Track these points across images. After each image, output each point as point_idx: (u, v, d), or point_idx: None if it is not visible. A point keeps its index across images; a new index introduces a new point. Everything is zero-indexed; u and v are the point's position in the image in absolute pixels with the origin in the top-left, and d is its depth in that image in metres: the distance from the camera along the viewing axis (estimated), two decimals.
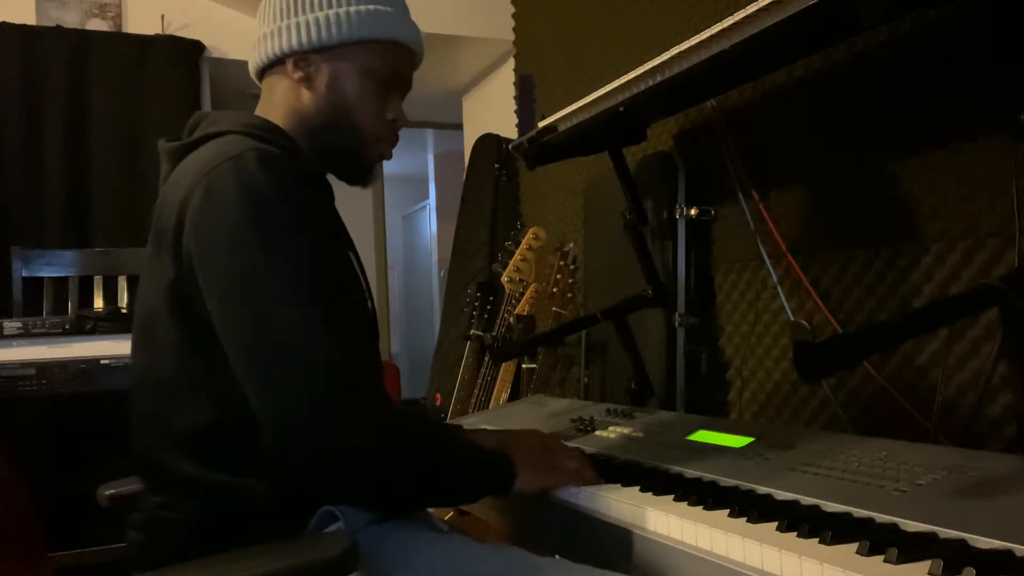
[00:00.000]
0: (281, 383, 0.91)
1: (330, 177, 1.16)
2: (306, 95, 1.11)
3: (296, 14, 1.09)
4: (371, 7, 1.10)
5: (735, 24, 1.15)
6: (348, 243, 1.13)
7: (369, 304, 1.13)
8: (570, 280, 2.53)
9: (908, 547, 0.73)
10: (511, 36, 3.25)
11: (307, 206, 0.98)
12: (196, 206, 0.95)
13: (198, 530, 0.98)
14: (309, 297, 0.92)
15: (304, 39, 1.08)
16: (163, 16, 3.42)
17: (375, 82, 1.12)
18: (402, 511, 1.08)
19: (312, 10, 1.09)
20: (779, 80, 1.70)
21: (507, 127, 3.32)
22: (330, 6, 1.09)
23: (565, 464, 1.11)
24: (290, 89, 1.11)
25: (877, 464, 0.99)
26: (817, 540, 0.79)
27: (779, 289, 1.72)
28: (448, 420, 2.39)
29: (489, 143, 3.37)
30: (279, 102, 1.12)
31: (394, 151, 1.21)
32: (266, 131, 1.07)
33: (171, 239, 0.97)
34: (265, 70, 1.14)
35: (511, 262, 2.67)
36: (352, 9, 1.09)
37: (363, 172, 1.18)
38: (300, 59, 1.10)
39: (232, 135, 1.03)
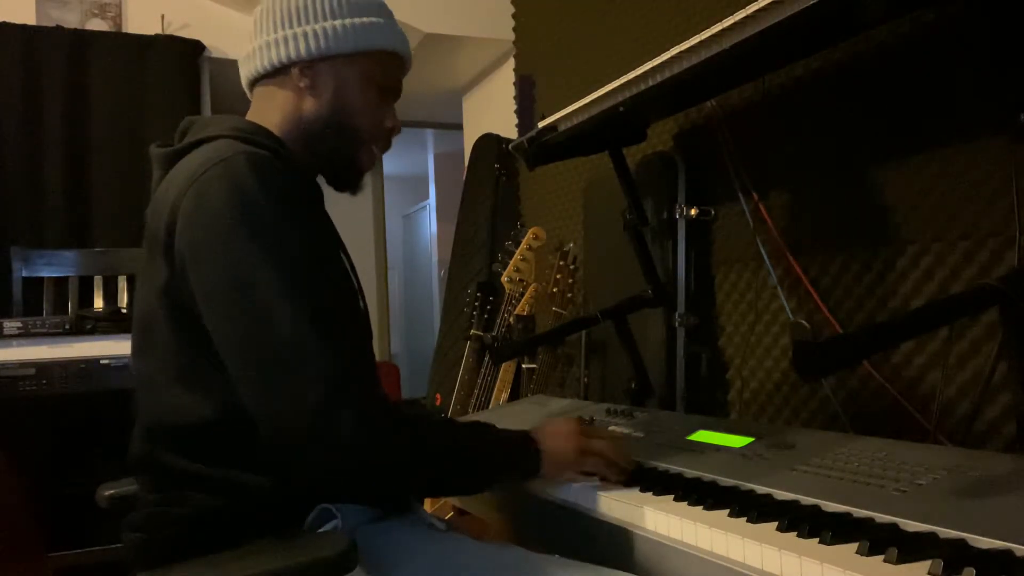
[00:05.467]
0: (273, 382, 0.90)
1: (321, 182, 1.18)
2: (309, 102, 1.13)
3: (300, 23, 1.12)
4: (370, 19, 1.14)
5: (735, 24, 1.14)
6: (339, 244, 1.14)
7: (361, 303, 1.13)
8: (570, 280, 2.53)
9: (908, 547, 0.73)
10: (511, 36, 3.25)
11: (296, 205, 0.99)
12: (187, 209, 0.96)
13: (196, 526, 0.98)
14: (299, 295, 0.92)
15: (312, 48, 1.11)
16: (163, 16, 3.42)
17: (376, 90, 1.16)
18: (415, 494, 1.10)
19: (316, 20, 1.12)
20: (779, 80, 1.70)
21: (507, 127, 3.31)
22: (334, 17, 1.12)
23: (595, 445, 1.10)
24: (292, 96, 1.13)
25: (877, 464, 0.99)
26: (817, 540, 0.79)
27: (779, 289, 1.72)
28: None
29: (489, 143, 3.37)
30: (276, 109, 1.14)
31: (394, 151, 1.24)
32: (256, 134, 1.08)
33: (163, 242, 0.98)
34: (261, 79, 1.15)
35: (511, 262, 2.67)
36: (355, 21, 1.13)
37: (356, 177, 1.22)
38: (305, 67, 1.12)
39: (222, 140, 1.04)
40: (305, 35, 1.11)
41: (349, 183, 1.22)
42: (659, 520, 0.95)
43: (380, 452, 0.92)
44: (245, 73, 1.17)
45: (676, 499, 0.99)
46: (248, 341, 0.92)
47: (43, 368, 2.42)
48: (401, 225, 7.11)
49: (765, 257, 1.75)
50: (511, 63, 3.31)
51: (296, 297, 0.91)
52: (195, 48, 3.44)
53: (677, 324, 1.94)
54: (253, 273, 0.92)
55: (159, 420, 1.02)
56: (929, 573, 0.69)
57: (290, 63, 1.12)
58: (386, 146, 1.22)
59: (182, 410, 0.99)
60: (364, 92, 1.15)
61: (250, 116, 1.16)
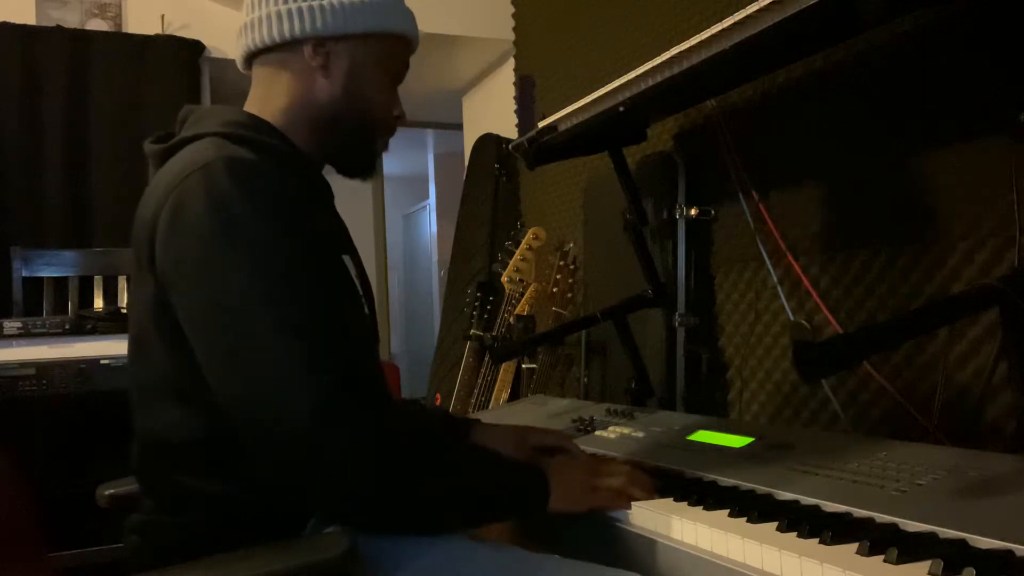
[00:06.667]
0: (258, 404, 0.87)
1: (329, 177, 1.15)
2: (322, 83, 1.06)
3: None
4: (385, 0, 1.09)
5: (735, 24, 1.14)
6: (343, 245, 1.11)
7: (367, 308, 1.10)
8: (570, 280, 2.53)
9: (908, 547, 0.73)
10: (511, 36, 3.25)
11: (282, 211, 0.93)
12: (165, 224, 0.92)
13: (195, 533, 0.97)
14: (283, 312, 0.88)
15: (329, 23, 1.03)
16: (163, 16, 3.42)
17: (388, 75, 1.11)
18: (411, 531, 1.00)
19: None
20: (779, 80, 1.70)
21: (507, 127, 3.31)
22: None
23: (607, 483, 1.03)
24: (300, 76, 1.06)
25: (877, 464, 0.99)
26: (817, 540, 0.79)
27: (779, 289, 1.72)
28: None
29: (489, 143, 3.37)
30: (282, 91, 1.07)
31: (394, 151, 1.20)
32: (251, 130, 1.02)
33: (146, 256, 0.95)
34: (263, 52, 1.07)
35: (511, 262, 2.67)
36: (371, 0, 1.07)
37: (369, 163, 1.15)
38: (318, 44, 1.05)
39: (210, 138, 0.99)
40: (322, 8, 1.03)
41: (363, 169, 1.15)
42: (659, 520, 0.95)
43: (375, 475, 0.88)
44: (246, 44, 1.08)
45: (676, 499, 0.99)
46: (231, 365, 0.88)
47: (43, 368, 2.41)
48: (401, 225, 7.11)
49: (765, 257, 1.75)
50: (511, 63, 3.31)
51: (280, 316, 0.87)
52: (195, 48, 3.43)
53: (677, 324, 1.94)
54: (234, 293, 0.88)
55: (153, 434, 1.00)
56: (929, 573, 0.69)
57: (303, 38, 1.04)
58: (391, 134, 1.16)
59: (175, 426, 0.97)
60: (377, 76, 1.09)
61: (251, 101, 1.09)
